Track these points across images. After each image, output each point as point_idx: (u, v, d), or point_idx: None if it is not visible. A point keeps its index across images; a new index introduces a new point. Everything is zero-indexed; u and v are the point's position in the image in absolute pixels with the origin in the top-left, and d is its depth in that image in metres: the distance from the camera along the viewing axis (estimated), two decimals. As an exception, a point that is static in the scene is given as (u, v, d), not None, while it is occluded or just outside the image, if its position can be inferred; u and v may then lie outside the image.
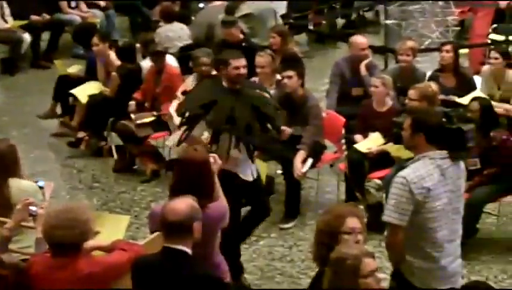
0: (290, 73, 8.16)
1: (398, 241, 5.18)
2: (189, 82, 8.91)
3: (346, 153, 8.42)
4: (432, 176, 5.16)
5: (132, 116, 9.24)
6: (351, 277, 4.24)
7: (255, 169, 6.95)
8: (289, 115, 8.04)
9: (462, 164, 5.35)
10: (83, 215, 4.71)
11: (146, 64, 9.65)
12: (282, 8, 11.91)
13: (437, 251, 5.25)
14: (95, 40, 9.74)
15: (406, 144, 5.38)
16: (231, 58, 6.84)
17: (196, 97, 6.93)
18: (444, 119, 5.27)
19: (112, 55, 9.75)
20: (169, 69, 9.49)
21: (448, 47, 9.20)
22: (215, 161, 5.62)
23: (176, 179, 5.52)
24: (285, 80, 8.20)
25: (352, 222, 4.69)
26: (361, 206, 7.41)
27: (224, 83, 6.82)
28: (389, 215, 5.17)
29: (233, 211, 5.81)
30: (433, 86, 7.97)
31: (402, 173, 5.21)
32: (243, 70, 6.85)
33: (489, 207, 7.88)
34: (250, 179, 6.87)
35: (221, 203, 5.47)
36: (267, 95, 7.08)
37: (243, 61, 6.86)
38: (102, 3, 13.54)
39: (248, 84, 7.24)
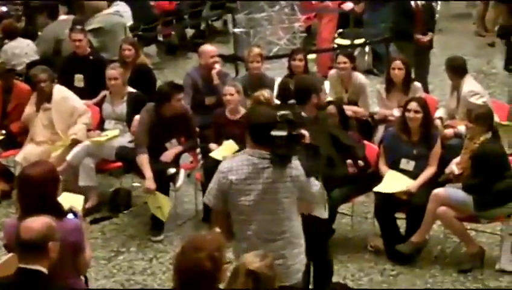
0: (232, 90, 8.30)
1: (216, 222, 5.37)
2: (33, 100, 8.82)
3: (201, 162, 8.45)
4: (240, 171, 5.26)
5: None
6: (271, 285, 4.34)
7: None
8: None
9: (291, 171, 5.30)
10: None
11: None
12: (129, 20, 11.83)
13: (247, 245, 5.31)
14: None
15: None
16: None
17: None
18: (279, 122, 5.32)
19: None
20: (20, 87, 9.31)
21: (300, 55, 9.36)
22: None
23: (18, 196, 5.34)
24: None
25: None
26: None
27: (303, 112, 6.33)
28: (206, 197, 5.44)
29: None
30: (265, 93, 8.11)
31: (223, 162, 5.49)
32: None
33: (344, 208, 8.06)
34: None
35: (70, 221, 5.24)
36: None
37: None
38: None
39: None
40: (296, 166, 5.30)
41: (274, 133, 5.18)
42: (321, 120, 6.55)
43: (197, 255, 4.30)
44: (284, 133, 5.18)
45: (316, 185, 5.44)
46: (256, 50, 9.42)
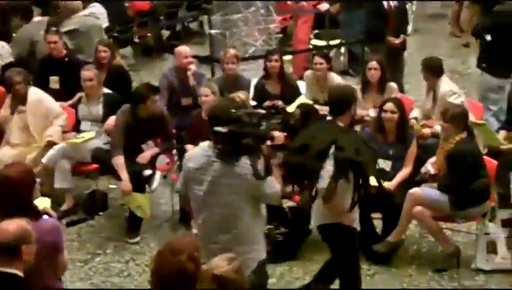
0: (208, 91, 8.26)
1: (184, 207, 5.80)
2: (8, 103, 8.76)
3: (178, 163, 8.44)
4: (197, 160, 5.47)
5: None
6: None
7: None
8: None
9: (238, 169, 5.35)
10: None
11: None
12: (104, 21, 11.79)
13: (200, 233, 5.59)
14: None
15: None
16: None
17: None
18: (243, 119, 5.34)
19: None
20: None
21: (276, 56, 9.38)
22: None
23: None
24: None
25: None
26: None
27: (340, 123, 6.14)
28: (178, 181, 5.76)
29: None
30: (241, 94, 8.11)
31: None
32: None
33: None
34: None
35: (47, 221, 5.21)
36: None
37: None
38: None
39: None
40: (244, 164, 5.34)
41: (216, 128, 5.33)
42: (355, 130, 6.51)
43: (178, 258, 4.28)
44: (224, 130, 5.28)
45: (272, 187, 5.45)
46: (232, 51, 9.43)
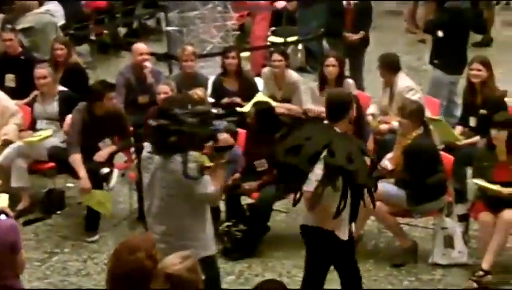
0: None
1: None
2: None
3: (136, 161, 8.39)
4: (147, 149, 5.58)
5: None
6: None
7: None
8: None
9: (170, 164, 5.37)
10: None
11: None
12: (61, 19, 11.71)
13: (148, 220, 5.65)
14: None
15: None
16: None
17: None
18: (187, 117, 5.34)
19: None
20: None
21: (233, 53, 9.38)
22: None
23: None
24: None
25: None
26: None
27: (337, 129, 5.93)
28: None
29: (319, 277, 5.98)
30: (199, 91, 8.10)
31: None
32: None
33: (279, 205, 8.09)
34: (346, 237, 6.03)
35: (5, 221, 5.17)
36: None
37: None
38: None
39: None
40: (177, 161, 5.35)
41: (150, 121, 5.43)
42: (350, 135, 6.23)
43: (134, 256, 4.25)
44: (154, 123, 5.35)
45: (205, 187, 5.40)
46: (189, 49, 9.41)
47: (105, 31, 14.17)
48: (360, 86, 10.10)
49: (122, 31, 14.54)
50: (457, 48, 9.81)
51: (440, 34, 9.93)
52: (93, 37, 13.82)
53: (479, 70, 8.47)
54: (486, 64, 8.52)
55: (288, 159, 5.70)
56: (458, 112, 9.30)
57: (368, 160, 5.87)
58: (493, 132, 7.29)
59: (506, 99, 8.40)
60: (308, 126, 6.02)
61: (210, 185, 5.43)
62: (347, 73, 9.77)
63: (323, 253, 6.05)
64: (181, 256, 4.27)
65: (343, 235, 5.91)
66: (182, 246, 5.27)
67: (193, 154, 5.35)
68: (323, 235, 5.92)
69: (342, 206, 5.58)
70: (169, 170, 5.40)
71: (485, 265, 7.06)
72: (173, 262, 4.21)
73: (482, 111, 8.30)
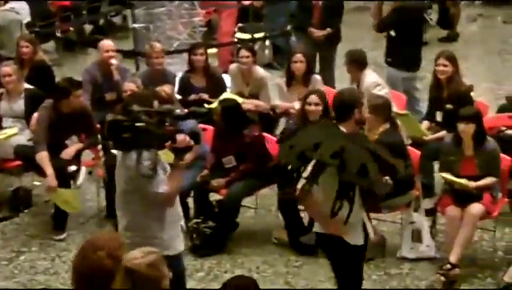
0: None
1: None
2: None
3: (103, 158, 8.36)
4: None
5: None
6: (154, 287, 4.15)
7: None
8: None
9: (126, 160, 5.36)
10: None
11: None
12: (26, 16, 11.63)
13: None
14: None
15: None
16: None
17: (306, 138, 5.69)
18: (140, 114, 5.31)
19: None
20: None
21: (200, 50, 9.36)
22: None
23: None
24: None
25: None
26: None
27: (343, 128, 5.76)
28: None
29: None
30: (166, 88, 8.08)
31: None
32: None
33: (248, 201, 8.10)
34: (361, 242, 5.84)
35: None
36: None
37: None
38: None
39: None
40: (132, 158, 5.31)
41: (108, 116, 5.49)
42: (361, 136, 6.05)
43: (97, 254, 4.22)
44: (110, 118, 5.32)
45: (157, 187, 5.34)
46: (158, 46, 9.41)
47: (71, 28, 14.09)
48: (330, 82, 10.11)
49: (88, 28, 14.46)
50: (410, 45, 9.92)
51: (392, 33, 10.04)
52: (59, 35, 13.74)
53: (445, 65, 8.52)
54: (452, 60, 8.58)
55: (287, 157, 5.52)
56: (420, 107, 9.35)
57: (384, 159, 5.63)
58: (460, 127, 7.34)
59: (472, 93, 8.47)
60: (315, 129, 5.86)
61: (163, 185, 5.36)
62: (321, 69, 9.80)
63: (336, 259, 5.89)
64: (143, 251, 4.21)
65: (353, 240, 5.75)
66: (141, 243, 5.07)
67: (150, 152, 5.26)
68: (332, 242, 5.77)
69: (336, 208, 5.44)
70: (126, 166, 5.39)
71: (452, 259, 7.11)
72: (134, 256, 4.15)
73: (449, 106, 8.36)
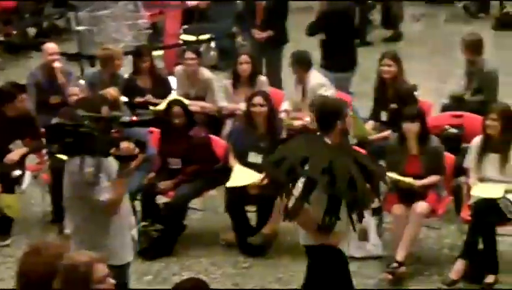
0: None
1: None
2: None
3: (48, 163, 8.28)
4: None
5: None
6: (83, 284, 4.14)
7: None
8: None
9: (72, 166, 5.32)
10: None
11: None
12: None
13: None
14: None
15: None
16: None
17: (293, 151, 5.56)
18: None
19: None
20: None
21: (146, 52, 9.35)
22: None
23: None
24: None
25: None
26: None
27: (327, 140, 5.63)
28: None
29: None
30: (112, 91, 8.04)
31: None
32: None
33: (195, 202, 8.08)
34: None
35: None
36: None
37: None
38: None
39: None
40: (75, 163, 5.26)
41: (53, 119, 5.55)
42: (346, 146, 5.88)
43: (41, 259, 4.19)
44: (53, 121, 5.38)
45: (99, 194, 5.28)
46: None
47: (13, 32, 13.94)
48: (276, 83, 10.12)
49: (32, 31, 14.31)
50: (342, 47, 10.00)
51: (323, 36, 10.15)
52: (1, 38, 13.59)
53: (389, 65, 8.60)
54: (397, 60, 8.67)
55: (273, 173, 5.47)
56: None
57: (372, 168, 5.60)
58: (404, 126, 7.41)
59: (416, 93, 8.55)
60: (301, 143, 5.71)
61: (105, 193, 5.29)
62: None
63: (326, 271, 5.78)
64: (83, 252, 4.24)
65: (342, 246, 5.75)
66: (87, 249, 5.07)
67: (93, 158, 5.18)
68: (327, 252, 5.71)
69: (325, 223, 5.41)
70: (69, 172, 5.36)
71: (399, 257, 7.17)
72: (72, 255, 4.17)
73: (393, 105, 8.43)
